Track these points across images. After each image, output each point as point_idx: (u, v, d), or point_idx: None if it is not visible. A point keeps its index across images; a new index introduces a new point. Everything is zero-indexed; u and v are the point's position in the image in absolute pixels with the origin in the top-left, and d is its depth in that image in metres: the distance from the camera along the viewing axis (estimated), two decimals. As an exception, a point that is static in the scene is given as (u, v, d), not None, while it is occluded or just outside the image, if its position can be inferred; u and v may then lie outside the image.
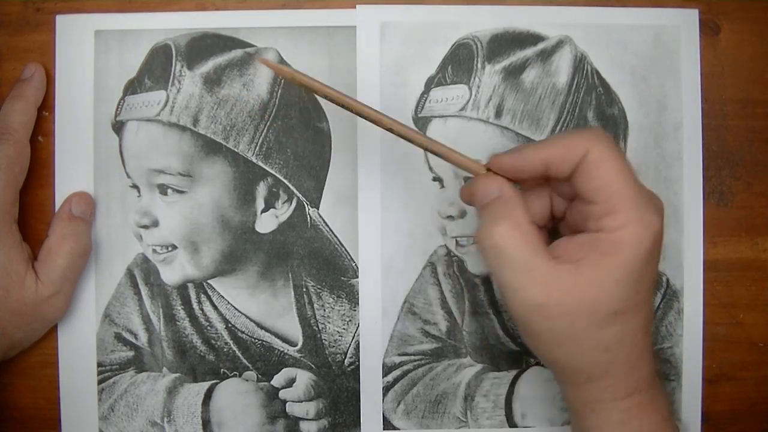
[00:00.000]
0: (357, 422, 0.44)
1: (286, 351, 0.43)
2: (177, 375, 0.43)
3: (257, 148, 0.43)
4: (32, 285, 0.39)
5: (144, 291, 0.43)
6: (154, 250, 0.43)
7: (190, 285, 0.43)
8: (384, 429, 0.44)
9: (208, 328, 0.43)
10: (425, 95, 0.44)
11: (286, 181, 0.43)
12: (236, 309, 0.43)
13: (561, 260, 0.33)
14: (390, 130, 0.35)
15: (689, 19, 0.44)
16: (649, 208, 0.33)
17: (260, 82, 0.43)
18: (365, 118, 0.35)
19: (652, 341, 0.35)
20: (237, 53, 0.43)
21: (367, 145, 0.43)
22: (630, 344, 0.34)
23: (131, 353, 0.43)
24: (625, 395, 0.34)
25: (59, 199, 0.42)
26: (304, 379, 0.43)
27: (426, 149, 0.36)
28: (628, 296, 0.33)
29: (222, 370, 0.43)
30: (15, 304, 0.39)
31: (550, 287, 0.33)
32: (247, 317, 0.43)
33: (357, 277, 0.43)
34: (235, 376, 0.43)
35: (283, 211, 0.43)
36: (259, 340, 0.43)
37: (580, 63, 0.44)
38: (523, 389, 0.44)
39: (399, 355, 0.44)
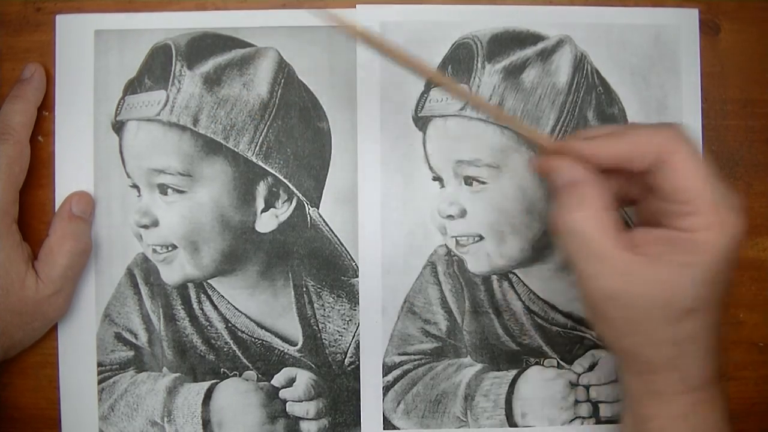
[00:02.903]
0: (357, 422, 0.44)
1: (286, 351, 0.43)
2: (177, 375, 0.43)
3: (257, 147, 0.43)
4: (33, 284, 0.39)
5: (144, 291, 0.43)
6: (154, 250, 0.43)
7: (190, 285, 0.43)
8: (384, 429, 0.44)
9: (208, 327, 0.43)
10: (425, 95, 0.44)
11: (286, 181, 0.43)
12: (236, 309, 0.43)
13: (638, 251, 0.32)
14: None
15: (689, 18, 0.44)
16: (730, 210, 0.32)
17: (260, 81, 0.43)
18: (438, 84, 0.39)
19: (719, 339, 0.35)
20: (237, 53, 0.43)
21: (367, 145, 0.43)
22: (701, 341, 0.34)
23: (131, 353, 0.43)
24: (690, 390, 0.34)
25: (59, 199, 0.42)
26: (304, 378, 0.43)
27: (498, 119, 0.37)
28: (702, 296, 0.32)
29: (222, 369, 0.43)
30: (15, 303, 0.39)
31: (625, 278, 0.32)
32: (247, 317, 0.43)
33: (357, 276, 0.43)
34: (235, 375, 0.43)
35: (283, 211, 0.43)
36: (259, 339, 0.43)
37: (580, 63, 0.44)
38: (523, 389, 0.44)
39: (399, 354, 0.44)
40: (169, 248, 0.43)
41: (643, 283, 0.32)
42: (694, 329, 0.33)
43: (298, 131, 0.43)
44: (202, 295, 0.43)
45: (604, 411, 0.44)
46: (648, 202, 0.35)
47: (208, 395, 0.43)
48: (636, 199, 0.36)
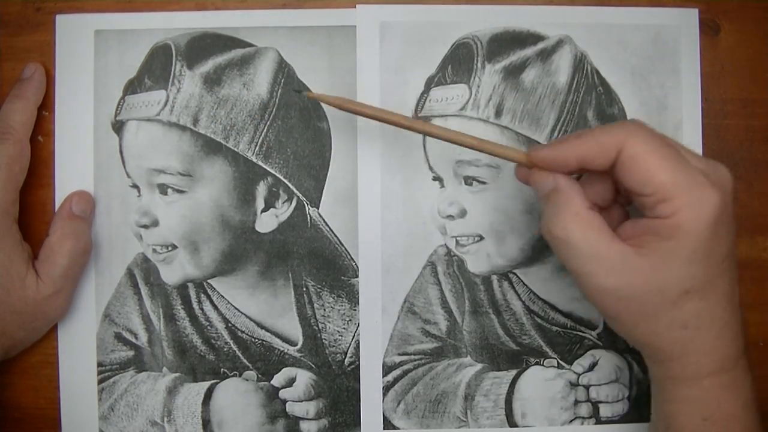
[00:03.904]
0: (357, 422, 0.43)
1: (286, 351, 0.43)
2: (177, 375, 0.43)
3: (257, 147, 0.43)
4: (33, 284, 0.39)
5: (144, 291, 0.43)
6: (154, 250, 0.43)
7: (190, 285, 0.43)
8: (384, 429, 0.44)
9: (208, 327, 0.43)
10: (425, 95, 0.44)
11: (286, 181, 0.43)
12: (236, 309, 0.43)
13: (629, 243, 0.34)
14: (426, 133, 0.38)
15: (689, 18, 0.44)
16: (703, 185, 0.33)
17: (260, 81, 0.43)
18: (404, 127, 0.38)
19: (740, 316, 0.36)
20: (237, 53, 0.43)
21: (367, 145, 0.43)
22: (709, 320, 0.34)
23: (131, 353, 0.43)
24: (708, 374, 0.35)
25: (59, 199, 0.42)
26: (304, 378, 0.43)
27: (463, 146, 0.37)
28: (696, 274, 0.33)
29: (222, 369, 0.43)
30: (16, 303, 0.39)
31: (617, 271, 0.33)
32: (247, 317, 0.43)
33: (357, 276, 0.43)
34: (235, 375, 0.43)
35: (283, 211, 0.43)
36: (259, 339, 0.43)
37: (580, 63, 0.44)
38: (523, 389, 0.44)
39: (399, 354, 0.44)
40: (169, 248, 0.43)
41: (634, 275, 0.33)
42: (700, 308, 0.34)
43: (298, 131, 0.43)
44: (202, 295, 0.43)
45: (604, 411, 0.44)
46: (627, 197, 0.36)
47: (208, 395, 0.43)
48: (617, 198, 0.37)
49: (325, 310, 0.43)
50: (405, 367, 0.44)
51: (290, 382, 0.43)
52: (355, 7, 0.43)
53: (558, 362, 0.44)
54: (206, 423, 0.43)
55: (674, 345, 0.35)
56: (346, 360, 0.43)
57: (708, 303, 0.34)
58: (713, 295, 0.34)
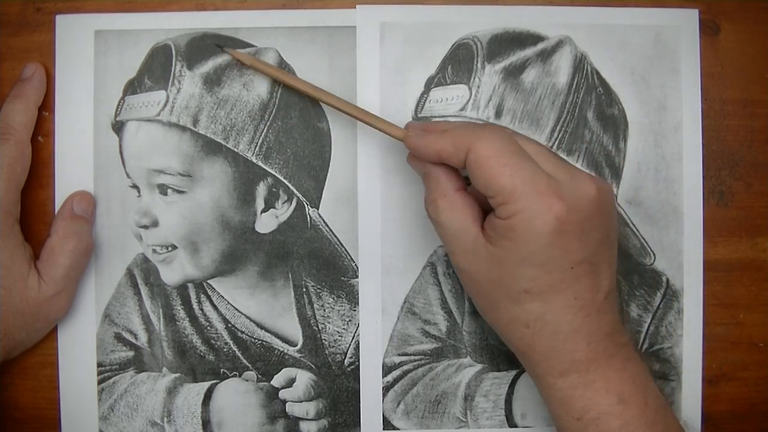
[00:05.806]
0: (357, 422, 0.44)
1: (286, 351, 0.43)
2: (177, 375, 0.43)
3: (257, 148, 0.43)
4: (35, 284, 0.39)
5: (144, 291, 0.43)
6: (154, 250, 0.43)
7: (190, 285, 0.43)
8: (384, 429, 0.44)
9: (208, 328, 0.43)
10: (425, 95, 0.44)
11: (286, 181, 0.43)
12: (236, 309, 0.43)
13: (485, 233, 0.35)
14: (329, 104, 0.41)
15: (689, 19, 0.44)
16: (544, 194, 0.33)
17: (260, 82, 0.43)
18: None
19: (604, 322, 0.35)
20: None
21: (367, 145, 0.43)
22: (553, 323, 0.34)
23: (131, 353, 0.43)
24: (560, 374, 0.35)
25: (60, 199, 0.42)
26: (304, 379, 0.43)
27: (353, 116, 0.40)
28: (535, 277, 0.34)
29: (222, 370, 0.43)
30: (18, 303, 0.39)
31: (470, 254, 0.35)
32: (247, 317, 0.43)
33: (357, 277, 0.43)
34: (235, 376, 0.43)
35: (283, 211, 0.43)
36: (259, 340, 0.43)
37: (580, 63, 0.44)
38: (523, 389, 0.44)
39: (399, 355, 0.44)
40: (169, 248, 0.43)
41: (482, 264, 0.35)
42: (542, 311, 0.34)
43: (298, 131, 0.43)
44: (202, 296, 0.43)
45: (604, 411, 0.44)
46: None
47: (208, 395, 0.43)
48: None
49: (324, 310, 0.43)
50: (405, 367, 0.44)
51: (290, 383, 0.43)
52: (355, 7, 0.43)
53: (558, 362, 0.44)
54: (206, 423, 0.43)
55: (519, 341, 0.36)
56: (345, 360, 0.43)
57: (552, 307, 0.34)
58: (558, 300, 0.34)
